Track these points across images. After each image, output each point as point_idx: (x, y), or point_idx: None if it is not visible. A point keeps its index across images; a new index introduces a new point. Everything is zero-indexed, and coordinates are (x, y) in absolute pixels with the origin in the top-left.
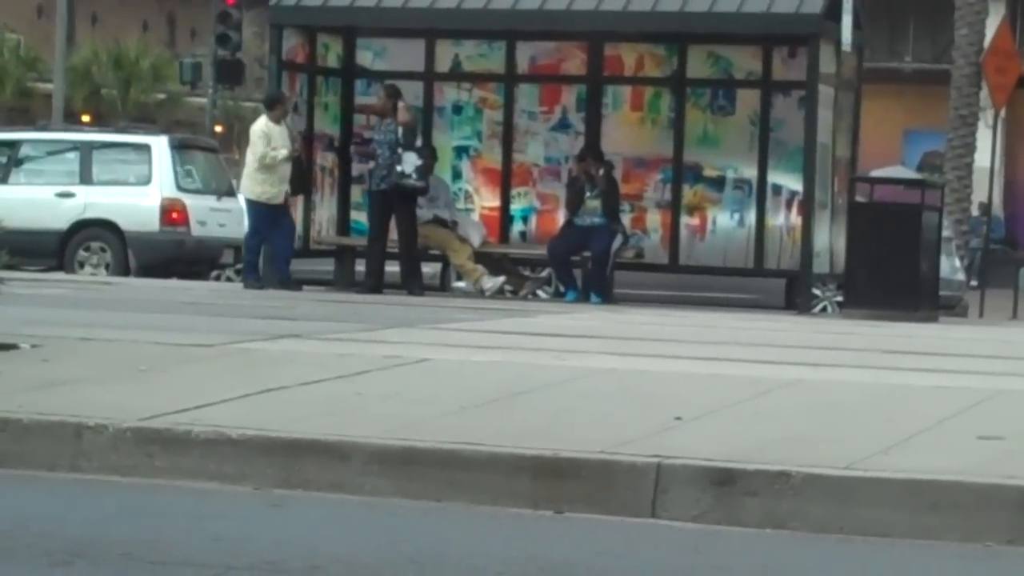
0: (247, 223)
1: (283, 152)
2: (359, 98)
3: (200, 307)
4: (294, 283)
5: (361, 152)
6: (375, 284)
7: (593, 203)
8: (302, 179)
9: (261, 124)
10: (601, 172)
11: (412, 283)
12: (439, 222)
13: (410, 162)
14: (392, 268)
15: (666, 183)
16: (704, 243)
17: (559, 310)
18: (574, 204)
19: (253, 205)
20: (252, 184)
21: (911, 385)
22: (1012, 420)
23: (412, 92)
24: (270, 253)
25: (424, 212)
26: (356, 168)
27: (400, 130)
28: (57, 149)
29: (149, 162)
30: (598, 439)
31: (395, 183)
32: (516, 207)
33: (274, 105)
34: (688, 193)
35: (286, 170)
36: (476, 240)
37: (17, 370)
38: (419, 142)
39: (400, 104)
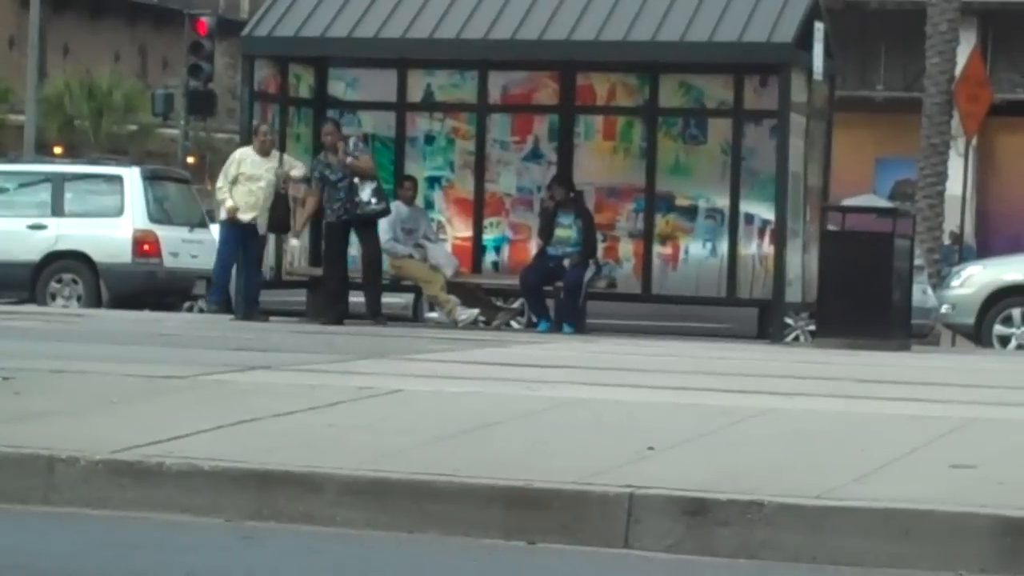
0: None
1: (229, 203)
2: None
3: (172, 338)
4: (260, 315)
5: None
6: (340, 314)
7: (566, 232)
8: (280, 218)
9: (237, 152)
10: (572, 195)
11: (377, 312)
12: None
13: (367, 189)
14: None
15: (638, 212)
16: (676, 272)
17: (532, 340)
18: (546, 232)
19: (221, 226)
20: (221, 205)
21: (884, 414)
22: (984, 448)
23: (384, 122)
24: (239, 286)
25: (402, 247)
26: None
27: (351, 157)
28: (29, 181)
29: (121, 193)
30: (571, 469)
31: (356, 213)
32: (488, 237)
33: (251, 137)
34: (660, 222)
35: (259, 197)
36: (449, 271)
37: None
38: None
39: (358, 156)
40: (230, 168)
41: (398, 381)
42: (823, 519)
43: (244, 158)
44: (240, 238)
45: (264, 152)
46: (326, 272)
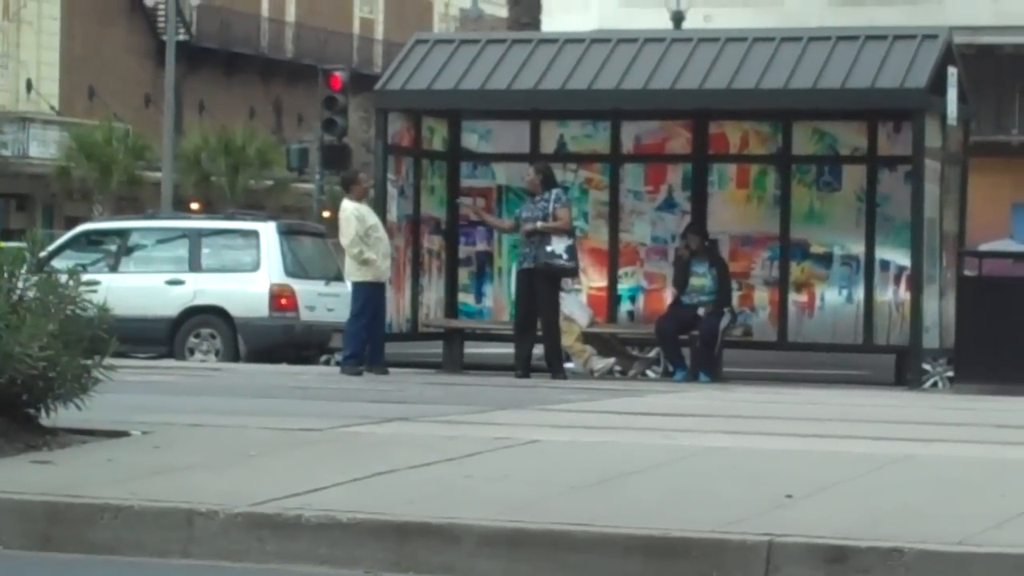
0: (351, 306)
1: (374, 256)
2: (464, 180)
3: (309, 392)
4: (384, 368)
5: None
6: (527, 370)
7: (700, 281)
8: None
9: (351, 207)
10: (706, 244)
11: (555, 365)
12: None
13: (561, 242)
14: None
15: (773, 260)
16: (812, 320)
17: (668, 390)
18: (680, 281)
19: (361, 287)
20: (356, 266)
21: None
22: None
23: (518, 173)
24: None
25: None
26: (463, 251)
27: (552, 208)
28: (166, 237)
29: (257, 248)
30: (709, 518)
31: (544, 263)
32: (623, 287)
33: (350, 186)
34: (795, 270)
35: (387, 244)
36: (584, 321)
37: (128, 457)
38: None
39: (558, 209)
40: (353, 226)
41: (534, 431)
42: (964, 565)
43: (361, 212)
44: (379, 296)
45: (360, 199)
46: (515, 324)
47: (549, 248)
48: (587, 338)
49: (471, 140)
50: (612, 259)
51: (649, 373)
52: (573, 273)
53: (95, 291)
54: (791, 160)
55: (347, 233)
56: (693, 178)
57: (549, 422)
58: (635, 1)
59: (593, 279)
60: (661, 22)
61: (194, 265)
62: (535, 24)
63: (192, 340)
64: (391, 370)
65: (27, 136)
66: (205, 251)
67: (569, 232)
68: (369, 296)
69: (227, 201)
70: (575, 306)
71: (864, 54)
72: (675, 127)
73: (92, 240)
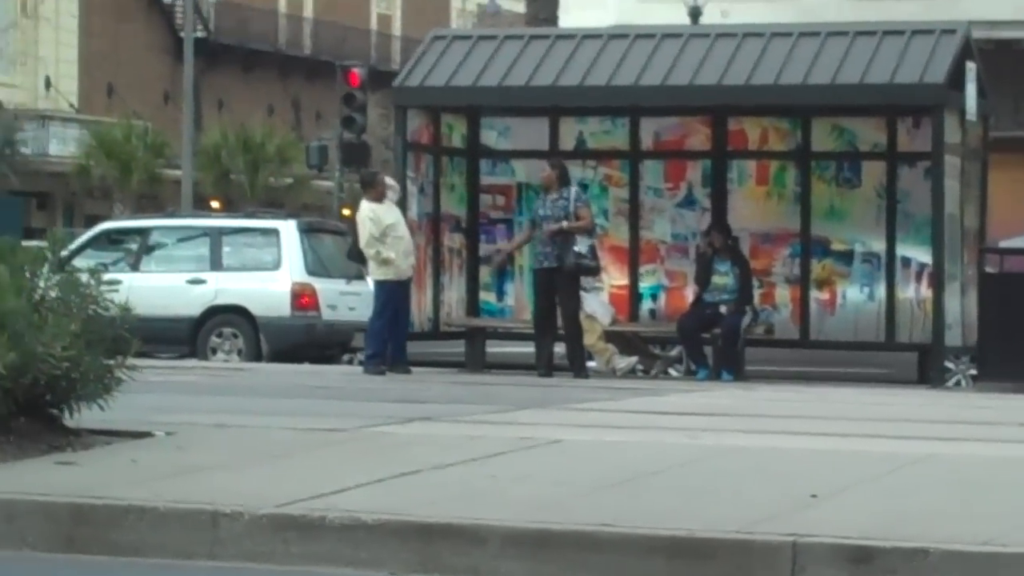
0: (374, 305)
1: (392, 254)
2: (484, 178)
3: (332, 391)
4: (406, 367)
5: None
6: (549, 369)
7: (723, 280)
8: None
9: (367, 208)
10: (730, 242)
11: (578, 364)
12: None
13: (584, 242)
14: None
15: (794, 258)
16: (834, 317)
17: (690, 388)
18: (703, 278)
19: (383, 285)
20: (377, 266)
21: None
22: None
23: (537, 170)
24: (392, 337)
25: None
26: (484, 248)
27: (574, 207)
28: (187, 235)
29: (278, 246)
30: (733, 518)
31: (574, 263)
32: (645, 285)
33: (367, 187)
34: (817, 267)
35: (409, 243)
36: (605, 320)
37: (152, 458)
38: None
39: (579, 208)
40: (368, 228)
41: (558, 431)
42: (990, 566)
43: (378, 213)
44: (403, 294)
45: (379, 200)
46: (535, 324)
47: (576, 248)
48: (609, 337)
49: (490, 137)
50: (633, 257)
51: (671, 372)
52: (597, 272)
53: (116, 290)
54: (810, 156)
55: (362, 236)
56: (713, 175)
57: (572, 422)
58: None
59: (614, 277)
60: (678, 17)
61: (215, 264)
62: (552, 20)
63: (214, 340)
64: (413, 369)
65: (47, 134)
66: (226, 250)
67: (590, 231)
68: (391, 294)
69: (247, 199)
70: (597, 305)
71: (882, 49)
72: (694, 123)
73: (113, 239)
